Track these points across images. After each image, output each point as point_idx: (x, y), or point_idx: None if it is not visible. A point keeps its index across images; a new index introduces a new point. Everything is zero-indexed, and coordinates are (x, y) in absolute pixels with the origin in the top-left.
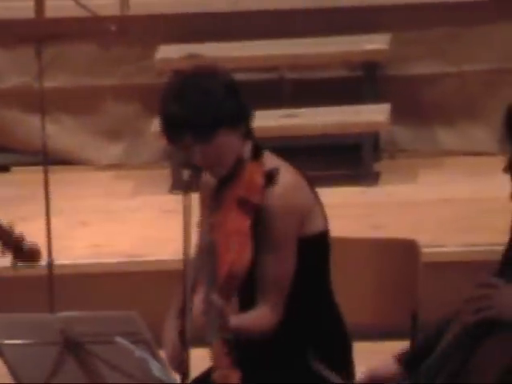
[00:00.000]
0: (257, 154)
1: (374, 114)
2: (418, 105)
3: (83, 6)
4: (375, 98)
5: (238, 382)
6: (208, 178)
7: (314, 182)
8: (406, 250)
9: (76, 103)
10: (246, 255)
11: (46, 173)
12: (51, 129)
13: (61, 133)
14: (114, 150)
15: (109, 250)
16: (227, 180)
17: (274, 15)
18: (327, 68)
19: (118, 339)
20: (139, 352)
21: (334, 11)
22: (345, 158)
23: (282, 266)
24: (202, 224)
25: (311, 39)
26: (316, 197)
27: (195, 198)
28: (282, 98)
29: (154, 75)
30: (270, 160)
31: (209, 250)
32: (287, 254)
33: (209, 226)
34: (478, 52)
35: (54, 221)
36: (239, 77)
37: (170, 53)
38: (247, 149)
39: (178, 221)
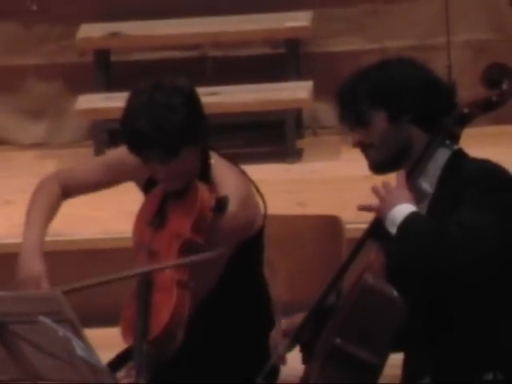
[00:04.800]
0: (205, 167)
1: (296, 91)
2: (340, 81)
3: None
4: (298, 75)
5: None
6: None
7: (238, 161)
8: (330, 226)
9: None
10: (184, 308)
11: None
12: None
13: None
14: (36, 130)
15: None
16: (174, 196)
17: None
18: (250, 45)
19: (42, 318)
20: (63, 331)
21: None
22: (268, 135)
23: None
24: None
25: (234, 17)
26: (258, 191)
27: None
28: (205, 75)
29: (76, 54)
30: (218, 167)
31: (143, 284)
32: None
33: (147, 252)
34: (399, 28)
35: None
36: (162, 55)
37: (92, 31)
38: (198, 161)
39: (101, 199)
